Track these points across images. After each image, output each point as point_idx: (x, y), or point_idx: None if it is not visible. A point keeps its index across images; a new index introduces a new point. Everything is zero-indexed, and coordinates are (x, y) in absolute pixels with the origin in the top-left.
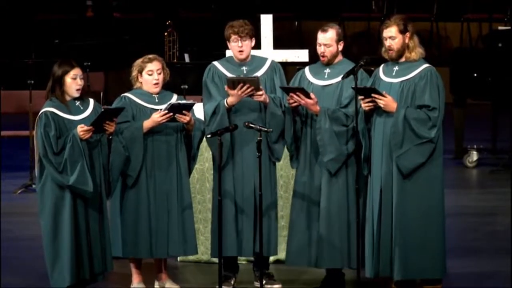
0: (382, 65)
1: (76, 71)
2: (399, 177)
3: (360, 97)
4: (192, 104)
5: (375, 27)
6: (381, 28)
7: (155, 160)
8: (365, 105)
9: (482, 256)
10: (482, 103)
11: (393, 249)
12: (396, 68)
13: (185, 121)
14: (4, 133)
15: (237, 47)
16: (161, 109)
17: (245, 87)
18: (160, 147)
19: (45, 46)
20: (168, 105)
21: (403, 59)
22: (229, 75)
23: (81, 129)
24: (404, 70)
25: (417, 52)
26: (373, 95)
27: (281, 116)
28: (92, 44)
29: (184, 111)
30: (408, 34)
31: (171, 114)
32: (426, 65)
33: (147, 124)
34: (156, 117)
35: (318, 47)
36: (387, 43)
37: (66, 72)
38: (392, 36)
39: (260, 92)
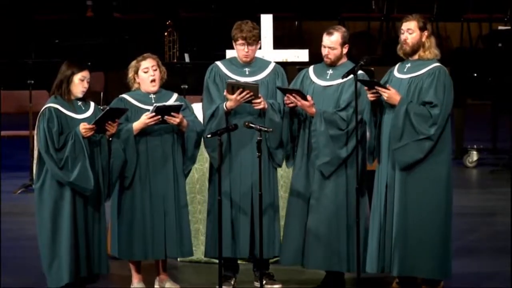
0: (398, 63)
1: (85, 73)
2: (401, 173)
3: (365, 87)
4: (179, 106)
5: (375, 27)
6: (400, 23)
7: (150, 162)
8: (369, 95)
9: (482, 256)
10: (482, 103)
11: (392, 245)
12: (408, 65)
13: (175, 123)
14: (4, 133)
15: (243, 52)
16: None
17: (244, 93)
18: (155, 148)
19: (45, 46)
20: (154, 107)
21: (416, 57)
22: (231, 76)
23: (83, 127)
24: (415, 67)
25: (432, 52)
26: (376, 87)
27: (280, 123)
28: (92, 44)
29: (173, 113)
30: (426, 33)
31: (159, 116)
32: (437, 64)
33: (136, 126)
34: (145, 119)
35: (322, 49)
36: (404, 36)
37: (75, 73)
38: (410, 29)
39: (259, 100)
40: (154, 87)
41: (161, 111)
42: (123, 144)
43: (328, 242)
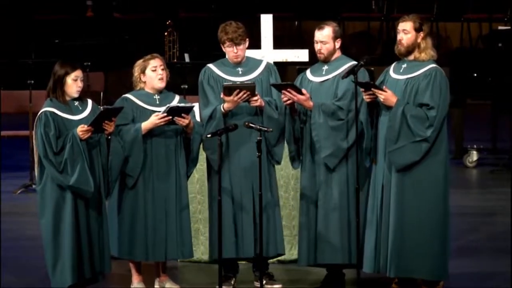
0: (394, 63)
1: (77, 73)
2: (397, 174)
3: (361, 89)
4: (191, 107)
5: (375, 27)
6: (397, 23)
7: (153, 163)
8: (366, 97)
9: (482, 256)
10: (482, 103)
11: (389, 246)
12: (404, 65)
13: (184, 124)
14: (4, 133)
15: (232, 53)
16: (160, 111)
17: (241, 93)
18: (159, 149)
19: (45, 46)
20: (167, 108)
21: (412, 57)
22: (225, 76)
23: (80, 129)
24: (411, 68)
25: (427, 53)
26: (372, 89)
27: (278, 119)
28: (92, 44)
29: (183, 114)
30: (421, 34)
31: (170, 117)
32: (433, 65)
33: (145, 126)
34: (155, 119)
35: (315, 45)
36: (399, 36)
37: (68, 73)
38: (405, 30)
39: (256, 98)
40: (162, 84)
41: (173, 112)
42: (125, 143)
43: (338, 235)
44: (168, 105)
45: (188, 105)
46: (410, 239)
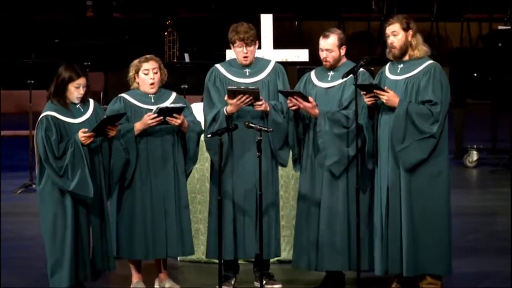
0: (388, 64)
1: (81, 81)
2: (405, 174)
3: (362, 92)
4: (182, 108)
5: (375, 27)
6: (384, 27)
7: (150, 161)
8: (367, 99)
9: (482, 256)
10: (482, 103)
11: (403, 246)
12: (401, 66)
13: (177, 124)
14: (4, 133)
15: (242, 53)
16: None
17: (244, 97)
18: (155, 148)
19: (45, 46)
20: (157, 108)
21: (407, 57)
22: (231, 78)
23: (82, 135)
24: (409, 67)
25: (420, 49)
26: (375, 90)
27: (283, 123)
28: (92, 44)
29: (174, 114)
30: (410, 32)
31: (161, 117)
32: (430, 61)
33: (138, 126)
34: (147, 120)
35: (320, 52)
36: (390, 40)
37: (71, 80)
38: (394, 32)
39: (260, 102)
40: (152, 90)
41: (164, 112)
42: (124, 143)
43: (342, 243)
44: (158, 105)
45: (178, 105)
46: (422, 237)
